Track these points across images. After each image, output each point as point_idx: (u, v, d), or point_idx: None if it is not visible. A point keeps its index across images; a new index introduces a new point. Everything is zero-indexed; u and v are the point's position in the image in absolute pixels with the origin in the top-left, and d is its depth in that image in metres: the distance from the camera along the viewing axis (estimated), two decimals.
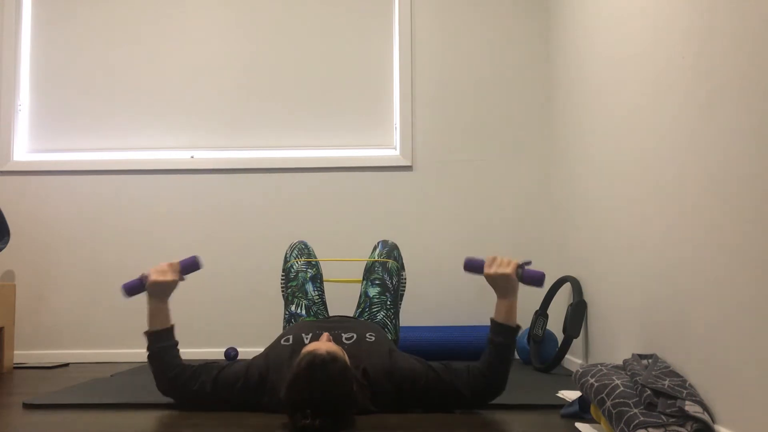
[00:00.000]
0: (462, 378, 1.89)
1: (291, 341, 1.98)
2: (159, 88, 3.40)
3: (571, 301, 2.58)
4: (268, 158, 3.35)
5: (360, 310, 2.44)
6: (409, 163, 3.31)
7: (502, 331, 1.91)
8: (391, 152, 3.36)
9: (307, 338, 1.98)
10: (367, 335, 2.02)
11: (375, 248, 2.58)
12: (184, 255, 3.29)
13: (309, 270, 2.52)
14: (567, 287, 2.80)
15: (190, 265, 2.07)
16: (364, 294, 2.46)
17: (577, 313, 2.53)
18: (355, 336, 2.00)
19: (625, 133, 2.11)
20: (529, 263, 1.95)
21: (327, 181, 3.33)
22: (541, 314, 2.85)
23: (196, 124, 3.39)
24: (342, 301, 2.83)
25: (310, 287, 2.48)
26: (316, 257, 2.62)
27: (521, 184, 3.31)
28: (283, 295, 2.52)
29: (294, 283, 2.48)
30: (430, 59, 3.37)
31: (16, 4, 3.40)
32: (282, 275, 2.54)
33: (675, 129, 1.70)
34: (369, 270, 2.51)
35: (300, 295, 2.45)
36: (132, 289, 2.02)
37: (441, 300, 3.24)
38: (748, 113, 1.33)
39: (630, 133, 2.06)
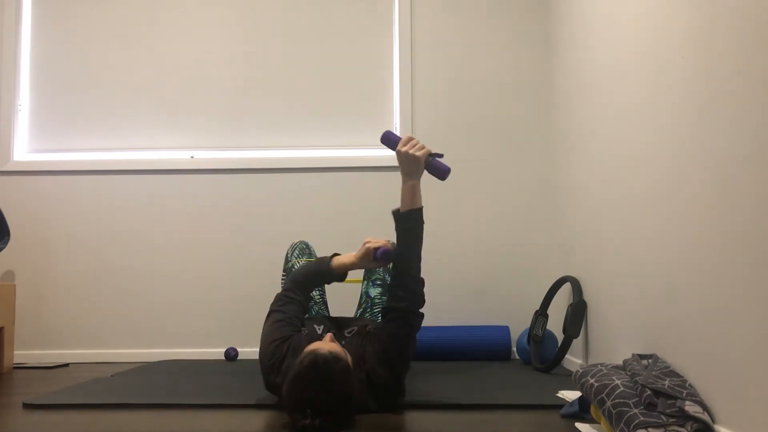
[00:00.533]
0: (393, 294, 1.96)
1: (306, 332, 1.99)
2: (159, 88, 3.40)
3: (571, 301, 2.58)
4: (268, 158, 3.35)
5: (361, 310, 2.44)
6: None
7: (411, 216, 1.98)
8: (391, 152, 3.36)
9: (319, 329, 2.01)
10: (367, 327, 2.04)
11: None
12: (184, 255, 3.29)
13: None
14: (567, 287, 2.80)
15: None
16: (366, 294, 2.46)
17: (577, 313, 2.54)
18: (356, 328, 2.04)
19: (625, 133, 2.11)
20: (441, 156, 2.04)
21: (327, 181, 3.33)
22: (541, 314, 2.85)
23: (196, 124, 3.39)
24: (342, 301, 2.83)
25: None
26: (316, 257, 2.62)
27: (521, 184, 3.31)
28: None
29: None
30: (430, 59, 3.37)
31: (16, 4, 3.40)
32: (283, 275, 2.54)
33: (675, 129, 1.70)
34: (370, 270, 2.51)
35: None
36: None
37: (441, 300, 3.24)
38: (748, 114, 1.33)
39: (630, 134, 2.06)
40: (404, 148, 1.98)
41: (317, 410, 1.56)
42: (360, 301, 2.48)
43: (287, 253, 2.58)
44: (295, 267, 2.52)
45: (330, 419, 1.58)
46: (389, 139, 2.08)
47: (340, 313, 2.49)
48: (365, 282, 2.51)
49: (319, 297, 2.48)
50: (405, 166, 1.99)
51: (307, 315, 2.40)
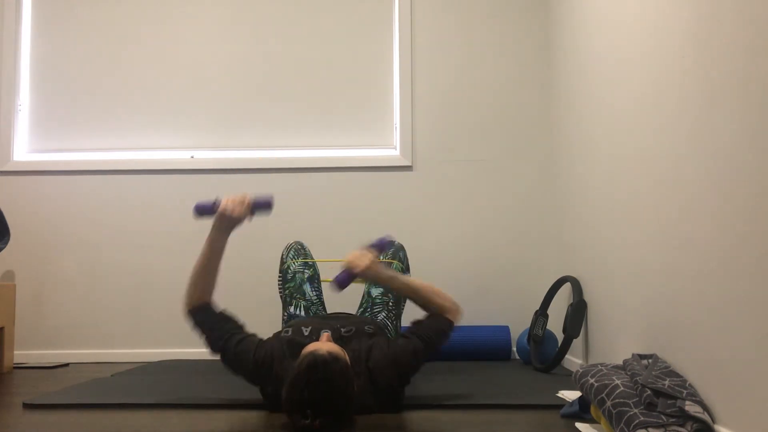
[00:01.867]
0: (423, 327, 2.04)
1: (290, 333, 1.99)
2: (159, 88, 3.40)
3: (571, 301, 2.58)
4: (268, 158, 3.34)
5: (362, 309, 2.44)
6: (409, 163, 3.31)
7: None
8: (391, 152, 3.36)
9: (306, 330, 1.99)
10: (366, 327, 2.04)
11: None
12: (184, 255, 3.29)
13: (306, 270, 2.52)
14: (567, 287, 2.80)
15: (263, 204, 2.03)
16: (367, 294, 2.46)
17: (577, 313, 2.53)
18: (354, 329, 2.02)
19: (624, 133, 2.11)
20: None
21: (327, 181, 3.33)
22: (541, 314, 2.85)
23: (196, 124, 3.39)
24: (342, 301, 2.82)
25: (308, 288, 2.48)
26: (312, 257, 2.62)
27: (521, 184, 3.31)
28: (281, 297, 2.52)
29: (291, 284, 2.48)
30: (430, 59, 3.37)
31: (16, 4, 3.40)
32: (279, 276, 2.54)
33: (675, 129, 1.70)
34: None
35: (298, 296, 2.45)
36: (203, 210, 2.01)
37: None
38: (748, 114, 1.33)
39: (630, 134, 2.06)
40: (356, 269, 2.03)
41: (317, 410, 1.56)
42: (361, 301, 2.48)
43: (282, 254, 2.57)
44: (291, 268, 2.51)
45: (330, 419, 1.58)
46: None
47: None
48: (367, 282, 2.51)
49: (316, 298, 2.48)
50: (372, 276, 2.07)
51: (302, 314, 2.40)
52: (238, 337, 1.97)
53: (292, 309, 2.43)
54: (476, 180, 3.31)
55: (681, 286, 1.65)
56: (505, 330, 3.06)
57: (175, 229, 3.32)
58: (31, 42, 3.43)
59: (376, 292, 2.43)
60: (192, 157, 3.36)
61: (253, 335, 2.00)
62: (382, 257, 2.51)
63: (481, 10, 3.38)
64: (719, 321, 1.45)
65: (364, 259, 2.04)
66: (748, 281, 1.33)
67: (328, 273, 2.97)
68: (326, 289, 2.64)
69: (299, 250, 2.58)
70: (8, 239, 3.10)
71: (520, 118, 3.33)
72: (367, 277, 2.07)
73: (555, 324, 2.91)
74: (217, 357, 1.98)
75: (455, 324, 2.07)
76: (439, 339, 2.02)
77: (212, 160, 3.35)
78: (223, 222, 2.00)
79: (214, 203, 2.00)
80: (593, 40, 2.48)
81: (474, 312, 3.23)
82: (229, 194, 2.02)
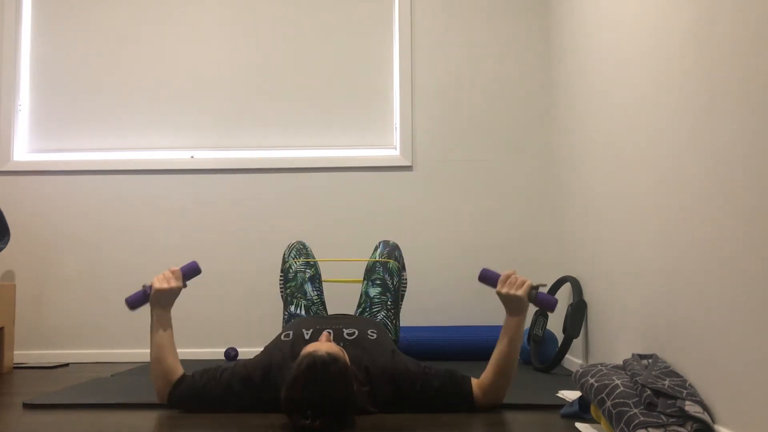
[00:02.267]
0: (458, 383, 1.89)
1: (291, 336, 1.98)
2: (159, 88, 3.40)
3: (571, 301, 2.58)
4: (268, 158, 3.34)
5: (360, 309, 2.44)
6: (409, 163, 3.31)
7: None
8: (391, 152, 3.36)
9: (307, 333, 1.97)
10: (369, 332, 2.01)
11: (376, 248, 2.58)
12: (184, 255, 3.29)
13: (308, 270, 2.52)
14: (567, 287, 2.80)
15: (191, 271, 2.06)
16: (365, 294, 2.46)
17: (577, 313, 2.53)
18: (356, 332, 2.00)
19: (625, 133, 2.11)
20: (544, 285, 2.00)
21: (327, 181, 3.33)
22: (541, 314, 2.85)
23: (196, 124, 3.39)
24: (342, 301, 2.83)
25: (309, 288, 2.48)
26: (314, 257, 2.62)
27: (521, 184, 3.31)
28: (282, 296, 2.52)
29: (293, 284, 2.48)
30: (430, 59, 3.37)
31: (16, 4, 3.40)
32: (281, 276, 2.54)
33: (675, 129, 1.70)
34: (370, 270, 2.51)
35: (299, 295, 2.45)
36: (136, 301, 2.00)
37: (441, 300, 3.24)
38: (748, 113, 1.33)
39: (630, 134, 2.06)
40: (504, 290, 1.93)
41: (317, 411, 1.56)
42: (360, 301, 2.48)
43: (284, 254, 2.57)
44: (293, 267, 2.51)
45: (330, 419, 1.58)
46: (487, 278, 2.01)
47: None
48: (365, 282, 2.51)
49: (317, 298, 2.48)
50: (508, 305, 1.93)
51: (303, 314, 2.40)
52: (227, 376, 1.91)
53: (292, 308, 2.43)
54: (476, 180, 3.31)
55: (681, 287, 1.65)
56: None
57: (175, 229, 3.32)
58: (31, 42, 3.43)
59: (374, 292, 2.43)
60: (192, 157, 3.36)
61: (234, 367, 1.94)
62: (378, 255, 2.51)
63: (481, 10, 3.38)
64: (719, 321, 1.45)
65: (514, 289, 1.92)
66: (748, 281, 1.33)
67: (330, 273, 2.98)
68: (327, 289, 2.64)
69: (301, 249, 2.58)
70: (8, 239, 3.10)
71: (520, 118, 3.33)
72: (504, 301, 1.94)
73: (555, 324, 2.91)
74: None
75: (471, 405, 1.90)
76: (443, 399, 1.89)
77: (212, 160, 3.35)
78: (161, 300, 1.98)
79: (144, 290, 1.99)
80: (593, 40, 2.48)
81: (474, 312, 3.23)
82: (156, 275, 2.03)
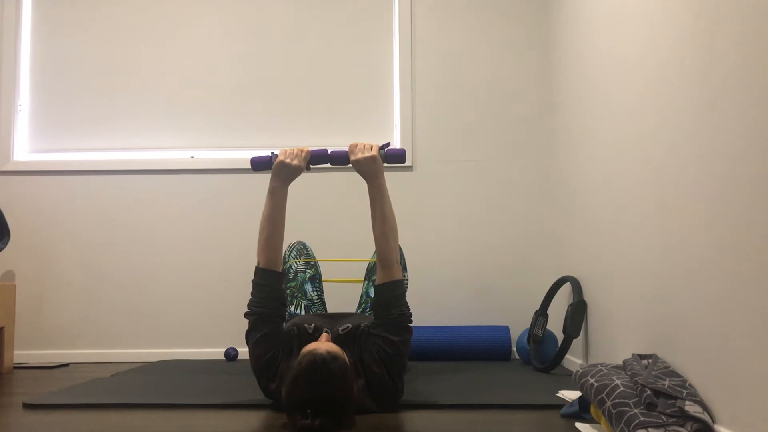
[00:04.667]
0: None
1: (296, 331, 1.99)
2: (159, 88, 3.40)
3: (571, 301, 2.58)
4: None
5: (361, 309, 2.45)
6: (409, 163, 3.32)
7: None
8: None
9: (310, 328, 1.99)
10: (362, 325, 2.03)
11: None
12: (184, 255, 3.30)
13: (308, 270, 2.53)
14: (567, 287, 2.80)
15: (320, 158, 2.06)
16: (366, 294, 2.46)
17: (577, 313, 2.54)
18: (350, 326, 2.01)
19: (624, 133, 2.11)
20: (388, 144, 2.09)
21: (327, 181, 3.33)
22: (541, 314, 2.85)
23: (196, 124, 3.39)
24: (342, 301, 2.83)
25: (309, 288, 2.48)
26: (314, 257, 2.62)
27: (521, 184, 3.31)
28: None
29: (293, 284, 2.48)
30: (430, 59, 3.37)
31: (16, 4, 3.40)
32: None
33: (675, 129, 1.70)
34: (371, 270, 2.52)
35: (299, 295, 2.46)
36: (259, 164, 2.03)
37: (441, 300, 3.24)
38: (749, 113, 1.33)
39: (630, 134, 2.06)
40: (358, 156, 2.00)
41: (317, 410, 1.56)
42: (360, 301, 2.48)
43: (285, 254, 2.58)
44: (293, 267, 2.52)
45: (330, 419, 1.58)
46: (338, 156, 2.07)
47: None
48: (366, 282, 2.51)
49: (317, 298, 2.48)
50: (365, 172, 2.01)
51: (303, 314, 2.41)
52: (271, 326, 1.96)
53: (292, 308, 2.43)
54: (476, 180, 3.31)
55: (681, 286, 1.65)
56: (505, 330, 3.06)
57: (175, 229, 3.32)
58: (31, 42, 3.44)
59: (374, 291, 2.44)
60: (192, 157, 3.36)
61: (285, 331, 1.99)
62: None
63: (481, 11, 3.38)
64: (719, 321, 1.45)
65: (366, 152, 2.01)
66: (748, 281, 1.33)
67: (330, 273, 2.98)
68: (327, 289, 2.64)
69: (302, 249, 2.58)
70: (8, 239, 3.10)
71: (520, 118, 3.33)
72: (360, 168, 2.01)
73: (555, 324, 2.91)
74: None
75: (397, 281, 1.98)
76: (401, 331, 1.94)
77: (212, 160, 3.35)
78: (280, 171, 2.00)
79: (270, 156, 2.04)
80: (593, 40, 2.48)
81: (474, 312, 3.23)
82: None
